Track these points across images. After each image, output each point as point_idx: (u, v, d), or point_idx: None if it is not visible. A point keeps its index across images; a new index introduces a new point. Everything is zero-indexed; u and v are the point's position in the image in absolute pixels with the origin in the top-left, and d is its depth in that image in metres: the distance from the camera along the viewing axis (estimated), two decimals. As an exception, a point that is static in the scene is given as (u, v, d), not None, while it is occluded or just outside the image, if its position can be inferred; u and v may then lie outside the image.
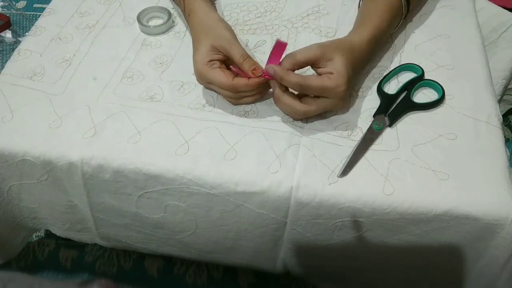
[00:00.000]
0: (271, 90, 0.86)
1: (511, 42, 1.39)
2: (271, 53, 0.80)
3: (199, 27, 0.88)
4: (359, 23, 0.91)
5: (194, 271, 1.40)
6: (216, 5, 1.06)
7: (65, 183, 0.85)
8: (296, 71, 0.81)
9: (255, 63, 0.83)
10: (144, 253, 1.23)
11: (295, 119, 0.85)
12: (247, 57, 0.83)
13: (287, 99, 0.81)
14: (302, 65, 0.81)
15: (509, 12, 1.37)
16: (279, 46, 0.80)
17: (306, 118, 0.85)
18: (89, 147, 0.81)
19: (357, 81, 0.92)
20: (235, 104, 0.87)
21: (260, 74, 0.81)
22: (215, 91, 0.88)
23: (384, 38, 0.93)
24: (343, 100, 0.81)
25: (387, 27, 0.91)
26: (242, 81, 0.82)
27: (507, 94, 1.54)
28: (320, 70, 0.81)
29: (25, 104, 0.87)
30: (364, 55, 0.87)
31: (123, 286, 1.35)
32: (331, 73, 0.79)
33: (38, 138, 0.82)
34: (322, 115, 0.85)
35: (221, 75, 0.83)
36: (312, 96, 0.82)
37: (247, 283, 1.38)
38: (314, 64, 0.81)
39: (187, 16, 0.93)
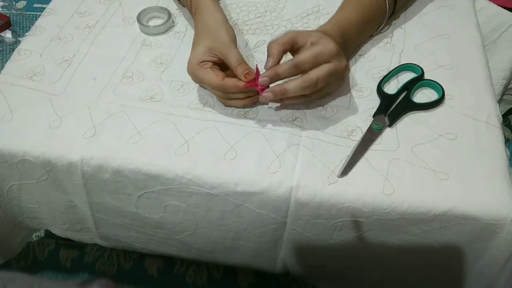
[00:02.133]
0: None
1: (511, 42, 1.39)
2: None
3: (201, 27, 0.88)
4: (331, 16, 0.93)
5: (194, 271, 1.40)
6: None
7: (65, 183, 0.85)
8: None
9: (249, 68, 0.82)
10: (144, 253, 1.23)
11: (310, 98, 0.83)
12: (242, 62, 0.82)
13: (292, 82, 0.79)
14: (286, 46, 0.81)
15: (509, 12, 1.37)
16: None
17: (319, 94, 0.84)
18: (89, 147, 0.81)
19: (352, 69, 0.93)
20: (226, 106, 0.87)
21: (252, 78, 0.81)
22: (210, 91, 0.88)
23: (360, 33, 0.94)
24: (340, 58, 0.80)
25: (359, 21, 0.92)
26: (231, 81, 0.82)
27: (507, 94, 1.54)
28: (303, 47, 0.81)
29: (25, 104, 0.87)
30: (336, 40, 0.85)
31: (123, 286, 1.35)
32: (314, 42, 0.80)
33: (38, 138, 0.82)
34: (322, 114, 0.86)
35: (211, 75, 0.82)
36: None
37: (247, 283, 1.38)
38: (295, 43, 0.81)
39: (193, 14, 0.93)
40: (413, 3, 1.06)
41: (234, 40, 0.86)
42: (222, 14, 0.90)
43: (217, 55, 0.84)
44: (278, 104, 0.87)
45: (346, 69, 0.83)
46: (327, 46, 0.79)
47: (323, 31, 0.85)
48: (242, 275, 1.39)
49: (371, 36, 0.98)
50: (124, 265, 1.42)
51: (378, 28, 0.98)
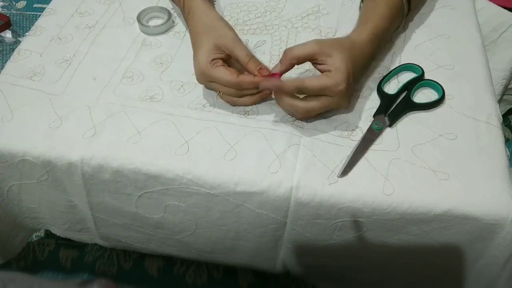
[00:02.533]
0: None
1: (511, 42, 1.39)
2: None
3: (200, 26, 0.88)
4: (360, 22, 0.90)
5: (194, 271, 1.40)
6: (216, 5, 1.06)
7: (65, 183, 0.85)
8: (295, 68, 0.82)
9: (260, 63, 0.83)
10: (144, 253, 1.23)
11: (298, 118, 0.85)
12: (252, 57, 0.83)
13: (288, 99, 0.81)
14: (300, 61, 0.81)
15: (509, 12, 1.37)
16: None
17: (308, 117, 0.85)
18: (89, 147, 0.81)
19: (358, 81, 0.92)
20: (234, 105, 0.87)
21: (266, 74, 0.82)
22: (214, 90, 0.88)
23: (386, 37, 0.93)
24: (344, 98, 0.80)
25: (388, 25, 0.90)
26: (247, 78, 0.82)
27: (507, 94, 1.55)
28: (319, 66, 0.81)
29: (25, 104, 0.87)
30: (366, 53, 0.86)
31: (123, 286, 1.35)
32: (329, 71, 0.79)
33: (38, 138, 0.82)
34: (323, 114, 0.85)
35: (226, 73, 0.82)
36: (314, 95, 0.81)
37: (247, 283, 1.38)
38: (312, 59, 0.81)
39: (187, 15, 0.93)
40: (423, 4, 1.06)
41: (237, 35, 0.86)
42: (217, 12, 0.90)
43: (224, 51, 0.84)
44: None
45: (345, 106, 0.83)
46: (339, 85, 0.78)
47: (352, 43, 0.84)
48: (242, 275, 1.39)
49: None
50: (124, 265, 1.42)
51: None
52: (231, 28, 0.86)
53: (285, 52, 0.81)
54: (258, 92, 0.85)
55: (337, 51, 0.80)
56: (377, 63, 0.95)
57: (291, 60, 0.80)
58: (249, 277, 1.39)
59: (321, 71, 0.81)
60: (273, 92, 0.85)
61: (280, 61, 0.81)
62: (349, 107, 0.87)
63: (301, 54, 0.80)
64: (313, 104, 0.80)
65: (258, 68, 0.82)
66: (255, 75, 0.82)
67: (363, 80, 0.92)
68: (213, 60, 0.83)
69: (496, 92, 1.39)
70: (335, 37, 0.98)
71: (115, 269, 1.41)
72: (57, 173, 0.83)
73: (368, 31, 0.87)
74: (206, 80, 0.85)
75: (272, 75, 0.82)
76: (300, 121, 0.85)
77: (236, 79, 0.81)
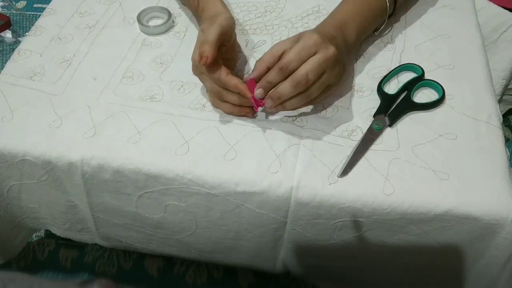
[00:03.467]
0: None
1: (511, 42, 1.39)
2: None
3: (211, 15, 0.87)
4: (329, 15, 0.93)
5: (194, 271, 1.40)
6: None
7: (65, 183, 0.85)
8: None
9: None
10: (144, 253, 1.23)
11: (310, 96, 0.82)
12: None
13: (286, 85, 0.79)
14: (269, 63, 0.81)
15: (509, 12, 1.37)
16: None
17: (317, 93, 0.82)
18: (89, 147, 0.81)
19: (352, 69, 0.93)
20: (215, 106, 0.87)
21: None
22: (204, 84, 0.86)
23: (360, 31, 0.92)
24: (326, 48, 0.79)
25: (359, 20, 0.91)
26: (234, 80, 0.80)
27: (507, 94, 1.55)
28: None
29: (25, 104, 0.87)
30: (331, 38, 0.84)
31: (123, 286, 1.35)
32: (295, 41, 0.80)
33: (38, 138, 0.82)
34: (322, 114, 0.86)
35: (216, 68, 0.81)
36: None
37: (247, 283, 1.38)
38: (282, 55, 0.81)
39: (200, 12, 0.92)
40: (414, 3, 1.06)
41: (231, 26, 0.85)
42: (224, 6, 0.89)
43: (224, 35, 0.83)
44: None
45: (335, 55, 0.80)
46: (309, 39, 0.78)
47: (316, 29, 0.85)
48: (242, 275, 1.39)
49: (373, 35, 0.98)
50: (124, 265, 1.42)
51: (381, 26, 0.97)
52: (228, 20, 0.85)
53: (255, 64, 0.82)
54: (239, 105, 0.84)
55: (295, 35, 0.81)
56: (377, 63, 0.95)
57: (261, 65, 0.81)
58: (249, 277, 1.39)
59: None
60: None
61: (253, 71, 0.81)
62: (337, 55, 0.81)
63: (266, 58, 0.81)
64: (303, 67, 0.78)
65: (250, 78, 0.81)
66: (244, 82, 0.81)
67: (363, 80, 0.92)
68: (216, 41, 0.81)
69: (496, 92, 1.40)
70: None
71: (115, 269, 1.41)
72: (57, 173, 0.83)
73: (331, 23, 0.88)
74: (198, 71, 0.84)
75: (253, 90, 0.80)
76: (300, 121, 0.85)
77: (224, 77, 0.80)
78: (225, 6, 0.89)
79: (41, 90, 0.89)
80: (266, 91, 0.80)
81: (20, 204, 0.94)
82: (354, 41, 0.90)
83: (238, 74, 0.93)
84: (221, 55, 0.83)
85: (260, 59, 0.81)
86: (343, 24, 0.88)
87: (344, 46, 0.86)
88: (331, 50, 0.79)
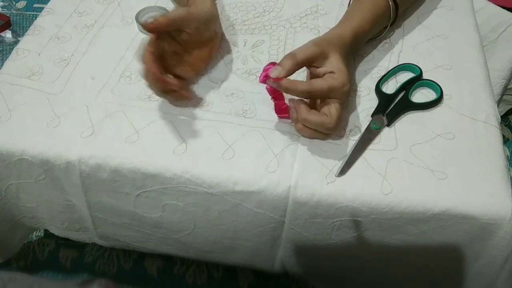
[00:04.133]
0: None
1: (510, 42, 1.39)
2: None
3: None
4: (343, 19, 0.91)
5: (194, 271, 1.40)
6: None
7: (63, 182, 0.85)
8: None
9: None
10: (144, 253, 1.23)
11: (326, 132, 0.81)
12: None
13: (315, 118, 0.78)
14: (301, 65, 0.79)
15: (508, 12, 1.37)
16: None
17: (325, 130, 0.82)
18: (87, 146, 0.81)
19: (356, 79, 0.93)
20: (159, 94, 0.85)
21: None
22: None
23: (364, 38, 0.93)
24: (346, 97, 0.81)
25: (369, 27, 0.90)
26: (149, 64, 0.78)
27: (506, 94, 1.54)
28: (319, 70, 0.80)
29: (23, 104, 0.87)
30: (350, 49, 0.87)
31: (123, 286, 1.35)
32: (332, 72, 0.78)
33: (36, 137, 0.82)
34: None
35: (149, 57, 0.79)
36: (319, 104, 0.81)
37: (247, 283, 1.38)
38: (311, 63, 0.80)
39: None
40: (414, 10, 1.06)
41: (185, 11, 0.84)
42: (213, 4, 0.89)
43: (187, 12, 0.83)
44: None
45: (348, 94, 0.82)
46: (344, 85, 0.78)
47: (341, 38, 0.84)
48: (242, 275, 1.39)
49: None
50: (124, 265, 1.42)
51: (381, 33, 0.98)
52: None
53: (287, 57, 0.78)
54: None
55: (333, 50, 0.80)
56: (376, 63, 0.95)
57: (294, 67, 0.78)
58: (249, 277, 1.39)
59: (321, 74, 0.80)
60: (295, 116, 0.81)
61: (281, 64, 0.78)
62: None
63: (303, 58, 0.79)
64: (332, 112, 0.79)
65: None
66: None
67: (361, 80, 0.92)
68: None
69: (495, 92, 1.40)
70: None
71: (115, 269, 1.41)
72: (55, 172, 0.83)
73: (351, 29, 0.87)
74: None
75: (264, 76, 0.78)
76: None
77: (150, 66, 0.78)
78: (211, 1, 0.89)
79: (39, 90, 0.89)
80: (280, 87, 0.78)
81: (18, 203, 0.94)
82: (360, 47, 0.93)
83: (236, 72, 0.93)
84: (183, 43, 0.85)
85: (292, 58, 0.78)
86: (360, 32, 0.89)
87: (352, 52, 0.89)
88: (349, 93, 0.81)
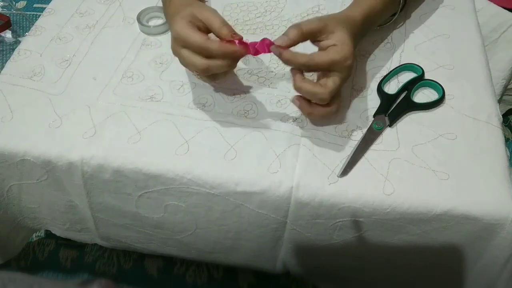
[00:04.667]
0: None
1: (511, 42, 1.39)
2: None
3: (179, 4, 0.84)
4: (353, 2, 0.89)
5: (194, 271, 1.40)
6: (216, 5, 1.06)
7: (65, 183, 0.85)
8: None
9: (234, 30, 0.78)
10: (144, 253, 1.22)
11: (320, 103, 0.79)
12: (227, 24, 0.78)
13: (308, 86, 0.77)
14: (306, 37, 0.77)
15: (509, 12, 1.37)
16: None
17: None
18: (89, 147, 0.81)
19: (358, 79, 0.93)
20: (205, 79, 0.85)
21: (238, 38, 0.77)
22: (187, 67, 0.82)
23: (376, 20, 0.92)
24: (350, 71, 0.78)
25: (381, 8, 0.89)
26: (215, 43, 0.76)
27: (506, 94, 1.55)
28: (322, 43, 0.78)
29: (25, 104, 0.87)
30: (359, 31, 0.85)
31: (123, 286, 1.35)
32: (335, 45, 0.76)
33: (38, 138, 0.82)
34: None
35: (196, 33, 0.76)
36: (321, 76, 0.79)
37: (247, 283, 1.38)
38: (315, 36, 0.78)
39: (168, 3, 0.88)
40: (416, 8, 1.06)
41: (215, 10, 0.81)
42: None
43: (201, 20, 0.79)
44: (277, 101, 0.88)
45: (351, 72, 0.79)
46: (347, 59, 0.76)
47: (349, 18, 0.83)
48: (242, 275, 1.39)
49: (373, 34, 0.98)
50: (124, 265, 1.42)
51: (390, 20, 0.97)
52: (210, 7, 0.82)
53: (292, 27, 0.77)
54: (227, 65, 0.79)
55: (339, 26, 0.78)
56: (377, 63, 0.95)
57: (298, 37, 0.76)
58: (249, 277, 1.39)
59: (324, 47, 0.78)
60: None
61: (287, 33, 0.76)
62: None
63: (308, 30, 0.77)
64: (329, 83, 0.77)
65: (232, 33, 0.77)
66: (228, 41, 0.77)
67: (363, 80, 0.92)
68: (190, 21, 0.79)
69: (496, 92, 1.40)
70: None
71: (115, 269, 1.41)
72: (57, 173, 0.83)
73: (361, 11, 0.86)
74: (179, 44, 0.79)
75: (268, 43, 0.77)
76: (300, 121, 0.85)
77: (204, 41, 0.76)
78: None
79: (41, 90, 0.89)
80: (281, 56, 0.76)
81: (20, 204, 0.94)
82: (370, 31, 0.91)
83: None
84: None
85: (297, 28, 0.76)
86: (371, 14, 0.87)
87: (361, 37, 0.87)
88: (350, 76, 0.79)
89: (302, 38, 0.77)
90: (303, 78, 0.77)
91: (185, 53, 0.78)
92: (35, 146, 0.81)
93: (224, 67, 0.78)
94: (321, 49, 0.79)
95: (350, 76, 0.79)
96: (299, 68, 0.77)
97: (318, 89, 0.76)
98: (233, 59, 0.79)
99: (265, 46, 0.76)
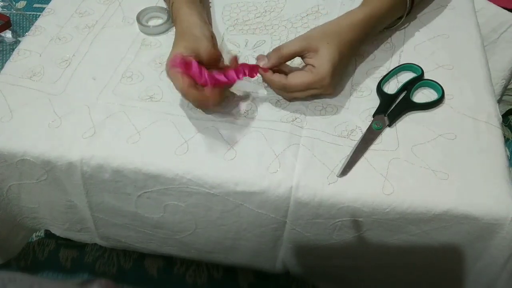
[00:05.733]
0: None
1: (511, 42, 1.39)
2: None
3: (179, 33, 0.88)
4: (361, 3, 0.92)
5: (194, 271, 1.40)
6: (216, 5, 1.06)
7: (65, 183, 0.85)
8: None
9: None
10: (144, 253, 1.23)
11: (287, 98, 0.88)
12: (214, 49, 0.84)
13: (275, 77, 0.84)
14: (288, 59, 0.85)
15: (509, 13, 1.37)
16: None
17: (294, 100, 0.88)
18: (89, 147, 0.81)
19: (352, 69, 0.94)
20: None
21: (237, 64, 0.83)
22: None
23: (383, 21, 0.93)
24: (329, 88, 0.84)
25: (388, 8, 0.91)
26: (194, 93, 0.79)
27: (506, 94, 1.55)
28: (305, 60, 0.84)
29: (25, 104, 0.87)
30: (357, 34, 0.87)
31: (123, 286, 1.35)
32: (313, 66, 0.82)
33: (37, 138, 0.82)
34: (322, 114, 0.86)
35: (178, 79, 0.79)
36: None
37: (247, 283, 1.38)
38: (299, 55, 0.84)
39: (174, 21, 0.92)
40: (427, 5, 1.06)
41: (207, 36, 0.84)
42: (197, 17, 0.89)
43: (192, 52, 0.82)
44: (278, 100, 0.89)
45: (332, 93, 0.88)
46: (323, 80, 0.82)
47: (339, 25, 0.87)
48: (242, 275, 1.39)
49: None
50: (124, 265, 1.42)
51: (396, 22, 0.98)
52: (207, 37, 0.85)
53: (274, 51, 0.84)
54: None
55: (323, 43, 0.83)
56: (377, 63, 0.95)
57: (279, 60, 0.84)
58: (249, 277, 1.39)
59: (306, 65, 0.84)
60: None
61: (268, 56, 0.84)
62: (335, 93, 0.89)
63: (288, 53, 0.84)
64: (297, 95, 0.86)
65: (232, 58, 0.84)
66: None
67: (363, 80, 0.92)
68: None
69: (495, 92, 1.39)
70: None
71: (115, 269, 1.41)
72: (56, 173, 0.83)
73: (366, 11, 0.88)
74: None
75: (253, 67, 0.84)
76: (299, 121, 0.85)
77: (185, 89, 0.79)
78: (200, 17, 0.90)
79: (40, 90, 0.89)
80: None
81: (19, 204, 0.94)
82: (363, 42, 0.93)
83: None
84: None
85: (280, 51, 0.84)
86: (373, 13, 0.89)
87: (352, 49, 0.88)
88: (330, 92, 0.86)
89: (283, 60, 0.85)
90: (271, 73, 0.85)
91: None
92: (34, 146, 0.81)
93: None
94: (304, 66, 0.86)
95: (331, 90, 0.85)
96: (277, 89, 0.87)
97: (285, 81, 0.84)
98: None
99: (254, 71, 0.84)
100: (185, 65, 0.78)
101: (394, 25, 0.98)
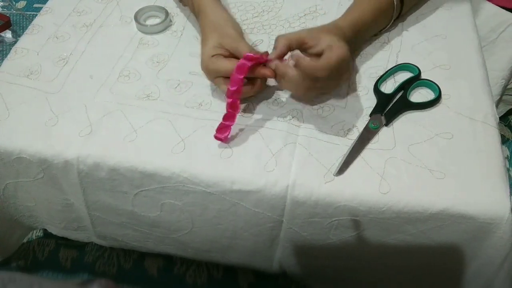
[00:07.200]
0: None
1: (510, 42, 1.38)
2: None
3: (208, 26, 0.88)
4: (345, 12, 0.92)
5: (194, 271, 1.40)
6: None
7: (61, 181, 0.85)
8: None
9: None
10: (144, 253, 1.23)
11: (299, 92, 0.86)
12: (253, 50, 0.83)
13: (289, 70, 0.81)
14: (292, 46, 0.82)
15: (508, 12, 1.37)
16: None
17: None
18: (85, 145, 0.81)
19: (354, 79, 0.93)
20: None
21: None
22: (222, 88, 0.85)
23: (366, 32, 0.94)
24: (349, 69, 0.83)
25: (371, 19, 0.92)
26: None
27: (506, 94, 1.54)
28: (310, 50, 0.81)
29: (22, 102, 0.87)
30: (349, 39, 0.86)
31: (123, 286, 1.35)
32: (329, 46, 0.78)
33: (34, 136, 0.82)
34: (319, 113, 0.86)
35: (225, 62, 0.82)
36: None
37: (247, 283, 1.38)
38: (303, 44, 0.81)
39: (197, 15, 0.94)
40: (419, 7, 1.06)
41: (241, 34, 0.87)
42: (226, 12, 0.91)
43: (227, 49, 0.84)
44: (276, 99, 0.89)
45: (350, 73, 0.85)
46: (345, 55, 0.79)
47: (337, 27, 0.86)
48: (242, 275, 1.39)
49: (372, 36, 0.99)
50: (124, 265, 1.42)
51: (384, 29, 0.98)
52: (236, 28, 0.87)
53: (277, 38, 0.82)
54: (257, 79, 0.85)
55: (325, 33, 0.81)
56: (374, 62, 0.95)
57: (284, 42, 0.81)
58: (249, 277, 1.38)
59: (315, 53, 0.80)
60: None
61: (274, 47, 0.82)
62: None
63: (292, 37, 0.81)
64: (318, 84, 0.81)
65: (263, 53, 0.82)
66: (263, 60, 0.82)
67: (360, 79, 0.92)
68: (214, 55, 0.83)
69: (495, 93, 1.40)
70: None
71: (115, 269, 1.41)
72: (53, 171, 0.83)
73: (349, 21, 0.88)
74: (211, 75, 0.85)
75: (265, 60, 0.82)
76: (296, 120, 0.85)
77: (234, 65, 0.80)
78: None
79: (37, 89, 0.89)
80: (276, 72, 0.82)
81: (16, 202, 0.95)
82: (362, 42, 0.94)
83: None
84: None
85: (282, 37, 0.82)
86: (359, 24, 0.90)
87: (354, 45, 0.88)
88: (350, 70, 0.84)
89: (291, 45, 0.81)
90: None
91: (219, 80, 0.85)
92: (31, 144, 0.82)
93: (251, 92, 0.85)
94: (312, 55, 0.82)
95: (349, 76, 0.84)
96: (293, 79, 0.80)
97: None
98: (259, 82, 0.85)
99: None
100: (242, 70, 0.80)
101: (383, 30, 0.99)
